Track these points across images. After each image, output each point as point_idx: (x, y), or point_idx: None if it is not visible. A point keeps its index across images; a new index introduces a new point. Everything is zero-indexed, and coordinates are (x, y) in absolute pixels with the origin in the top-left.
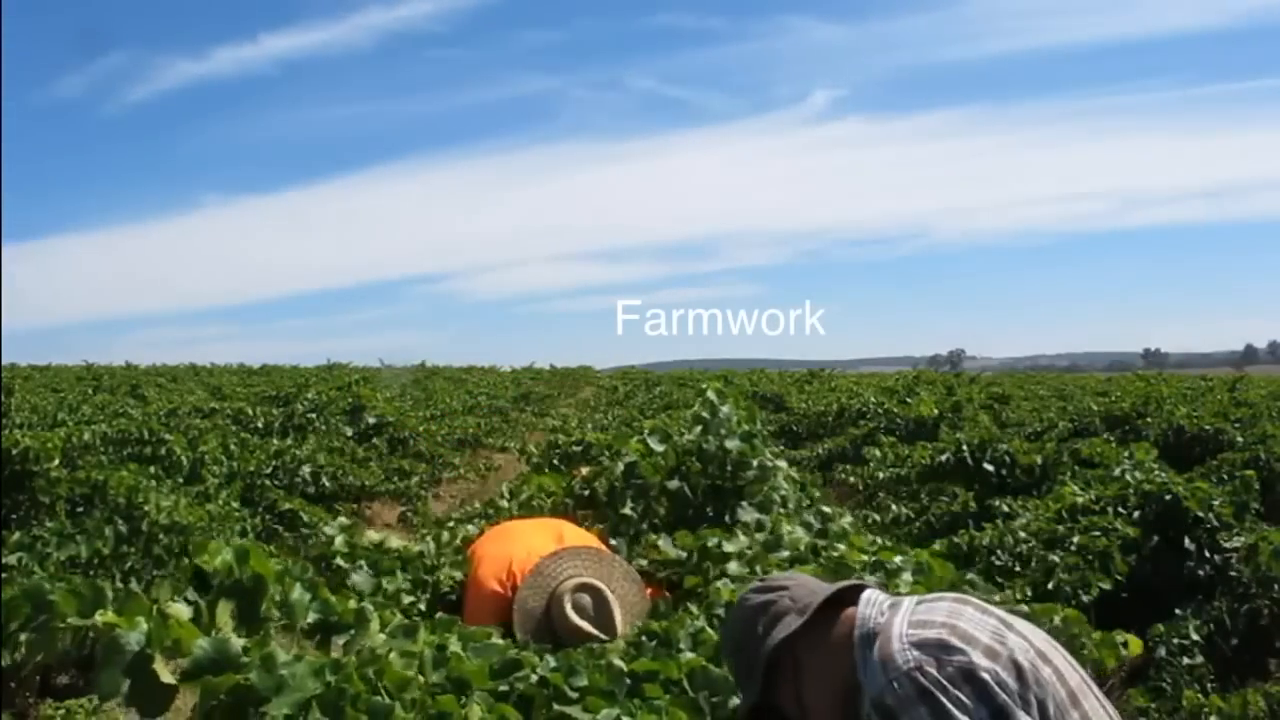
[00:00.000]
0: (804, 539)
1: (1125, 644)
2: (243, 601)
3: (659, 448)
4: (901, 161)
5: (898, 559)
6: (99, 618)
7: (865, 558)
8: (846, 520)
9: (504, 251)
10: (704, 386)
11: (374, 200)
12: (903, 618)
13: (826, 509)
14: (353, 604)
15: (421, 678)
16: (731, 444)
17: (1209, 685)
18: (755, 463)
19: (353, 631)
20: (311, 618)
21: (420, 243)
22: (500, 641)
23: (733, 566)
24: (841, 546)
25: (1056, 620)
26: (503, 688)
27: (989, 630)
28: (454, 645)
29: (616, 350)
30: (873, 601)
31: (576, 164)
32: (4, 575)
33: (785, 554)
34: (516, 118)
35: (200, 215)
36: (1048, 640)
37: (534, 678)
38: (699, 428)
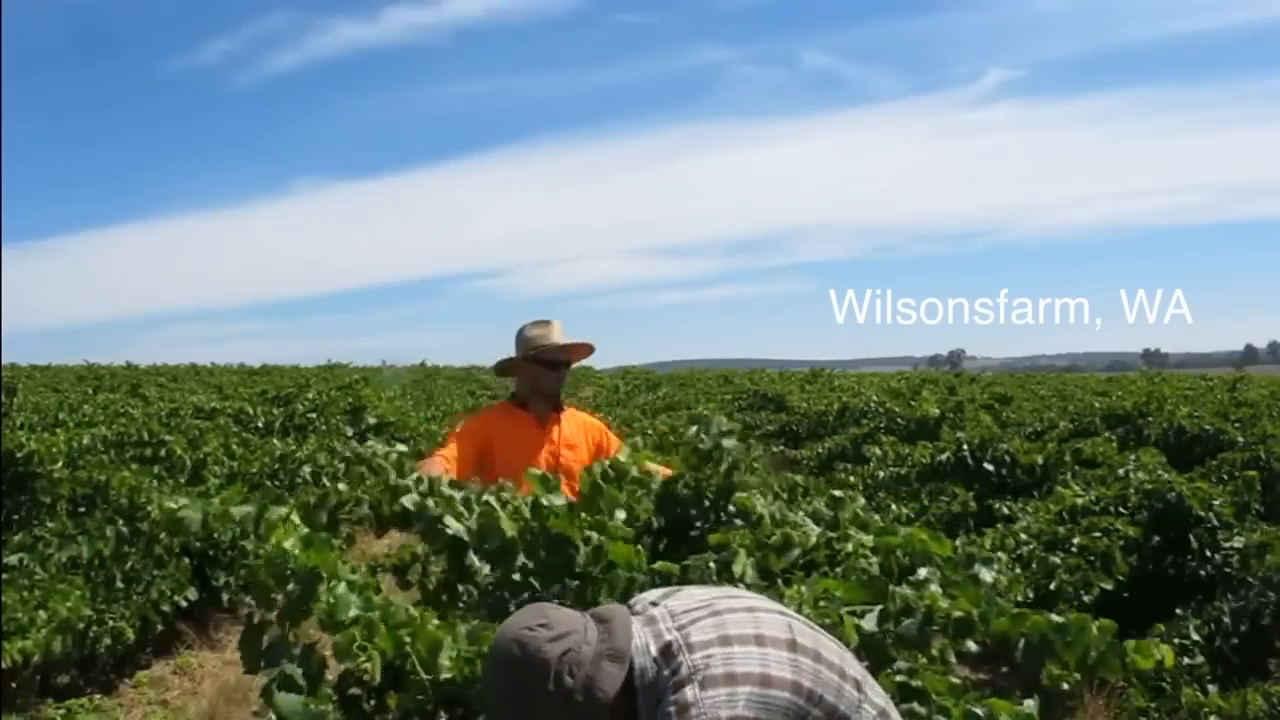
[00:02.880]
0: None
1: (1162, 660)
2: (300, 588)
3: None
4: (1044, 148)
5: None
6: None
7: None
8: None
9: (592, 241)
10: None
11: (470, 189)
12: (689, 674)
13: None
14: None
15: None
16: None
17: (1209, 685)
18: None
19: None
20: (353, 613)
21: (506, 232)
22: None
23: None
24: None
25: (1093, 630)
26: None
27: (772, 661)
28: (487, 630)
29: (618, 349)
30: (641, 649)
31: (710, 146)
32: (4, 575)
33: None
34: (663, 97)
35: (291, 201)
36: (807, 628)
37: None
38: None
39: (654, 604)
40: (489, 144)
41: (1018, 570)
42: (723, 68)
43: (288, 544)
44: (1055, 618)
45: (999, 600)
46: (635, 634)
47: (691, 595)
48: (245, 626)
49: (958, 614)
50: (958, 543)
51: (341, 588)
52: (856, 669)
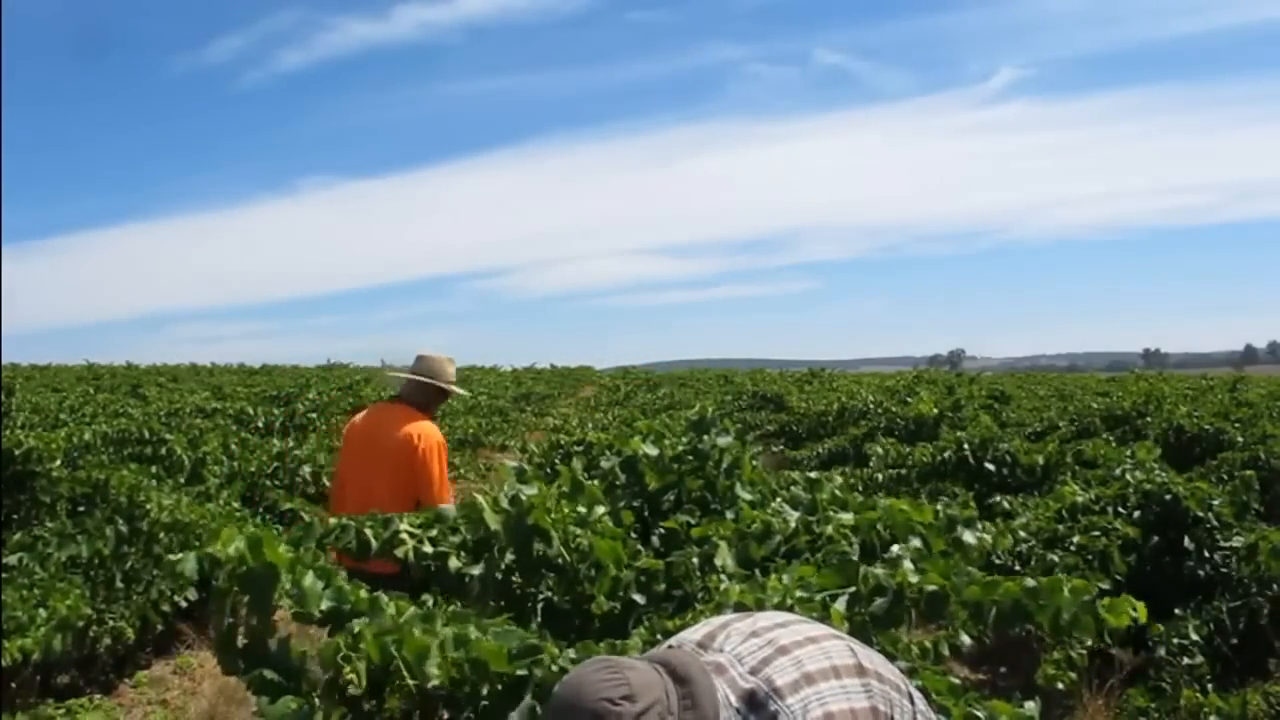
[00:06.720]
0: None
1: (1135, 609)
2: (255, 590)
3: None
4: (1054, 147)
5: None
6: None
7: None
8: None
9: (594, 241)
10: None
11: (475, 188)
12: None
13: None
14: (364, 593)
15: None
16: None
17: (1209, 685)
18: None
19: (366, 619)
20: (325, 605)
21: (508, 231)
22: (517, 628)
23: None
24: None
25: (1065, 592)
26: (520, 672)
27: (853, 693)
28: (473, 632)
29: (618, 349)
30: (723, 702)
31: (719, 145)
32: (4, 575)
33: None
34: (673, 96)
35: (297, 201)
36: (864, 648)
37: (554, 667)
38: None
39: (701, 645)
40: (496, 143)
41: (1016, 567)
42: (733, 66)
43: (232, 549)
44: (1028, 581)
45: (970, 570)
46: (725, 700)
47: (740, 631)
48: (216, 632)
49: (930, 588)
50: (938, 508)
51: (309, 578)
52: (907, 683)
